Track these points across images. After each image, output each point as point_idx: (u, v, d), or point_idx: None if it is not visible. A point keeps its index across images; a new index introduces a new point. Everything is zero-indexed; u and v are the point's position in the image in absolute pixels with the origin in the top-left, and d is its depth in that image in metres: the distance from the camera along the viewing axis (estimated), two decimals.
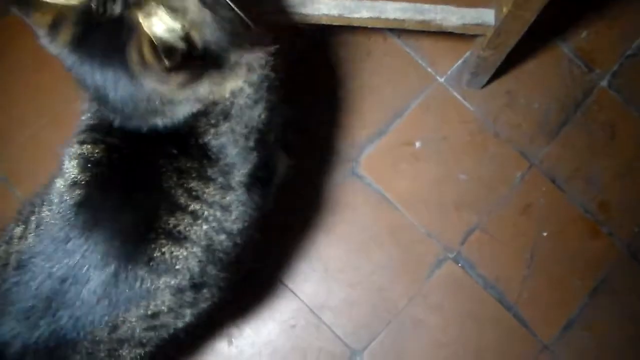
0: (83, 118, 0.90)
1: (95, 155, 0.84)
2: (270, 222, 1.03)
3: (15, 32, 1.41)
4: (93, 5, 0.72)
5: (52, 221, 0.85)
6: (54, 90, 1.38)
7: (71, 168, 0.85)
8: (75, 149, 0.87)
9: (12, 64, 1.40)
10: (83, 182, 0.83)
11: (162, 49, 0.69)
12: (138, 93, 0.76)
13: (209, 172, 0.85)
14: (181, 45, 0.71)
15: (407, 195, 1.33)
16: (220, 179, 0.86)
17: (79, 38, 0.74)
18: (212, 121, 0.84)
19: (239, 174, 0.88)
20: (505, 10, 1.10)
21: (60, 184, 0.86)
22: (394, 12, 1.16)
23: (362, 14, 1.16)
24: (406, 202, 1.33)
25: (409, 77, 1.39)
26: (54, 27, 0.73)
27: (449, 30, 1.19)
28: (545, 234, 1.33)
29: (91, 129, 0.88)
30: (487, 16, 1.16)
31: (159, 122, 0.81)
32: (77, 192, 0.83)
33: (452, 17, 1.17)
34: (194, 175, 0.84)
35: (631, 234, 1.34)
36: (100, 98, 0.79)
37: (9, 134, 1.36)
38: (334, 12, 1.16)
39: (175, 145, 0.83)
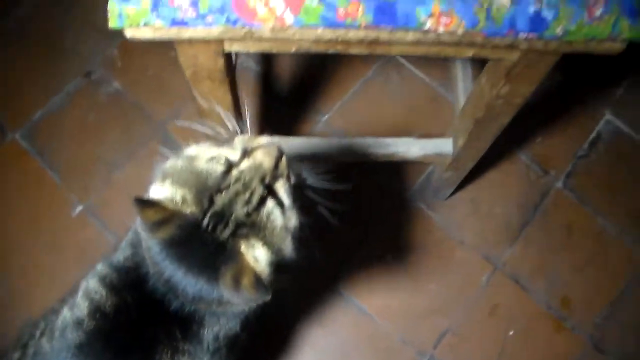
0: (120, 253, 0.95)
1: (106, 307, 0.90)
2: (256, 338, 1.11)
3: (13, 157, 1.51)
4: (204, 224, 0.78)
5: (49, 352, 0.92)
6: (52, 214, 1.47)
7: (82, 306, 0.92)
8: (92, 284, 0.93)
9: (10, 188, 1.49)
10: (87, 328, 0.91)
11: (262, 282, 0.76)
12: (212, 297, 0.82)
13: (199, 353, 0.94)
14: (273, 277, 0.79)
15: (383, 306, 1.43)
16: (205, 358, 0.95)
17: (175, 240, 0.79)
18: (221, 320, 0.92)
19: (224, 352, 0.97)
20: (460, 142, 1.21)
21: (67, 315, 0.92)
22: (360, 149, 1.26)
23: (331, 152, 1.26)
24: (382, 312, 1.42)
25: (377, 194, 1.49)
26: (158, 224, 0.78)
27: (411, 160, 1.29)
28: (512, 332, 1.43)
29: (118, 270, 0.93)
30: (445, 146, 1.27)
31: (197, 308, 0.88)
32: (79, 334, 0.90)
33: (413, 149, 1.27)
34: (185, 355, 0.92)
35: (592, 326, 1.44)
36: (168, 285, 0.83)
37: (6, 259, 1.44)
38: (306, 151, 1.26)
39: (179, 326, 0.90)
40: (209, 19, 0.79)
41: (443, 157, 1.27)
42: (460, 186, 1.44)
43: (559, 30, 0.82)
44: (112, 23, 0.81)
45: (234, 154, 0.83)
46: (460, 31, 0.81)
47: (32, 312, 1.29)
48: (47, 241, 1.43)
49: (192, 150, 0.85)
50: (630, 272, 1.47)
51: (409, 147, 1.26)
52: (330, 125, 1.55)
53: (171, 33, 0.82)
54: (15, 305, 1.40)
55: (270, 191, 0.82)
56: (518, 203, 1.51)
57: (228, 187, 0.80)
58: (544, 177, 1.54)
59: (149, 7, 0.79)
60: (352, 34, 0.82)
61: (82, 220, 1.44)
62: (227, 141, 0.88)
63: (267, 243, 0.80)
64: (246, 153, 0.83)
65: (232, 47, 0.86)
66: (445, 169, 1.31)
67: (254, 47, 0.86)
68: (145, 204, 0.78)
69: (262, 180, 0.81)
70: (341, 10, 0.79)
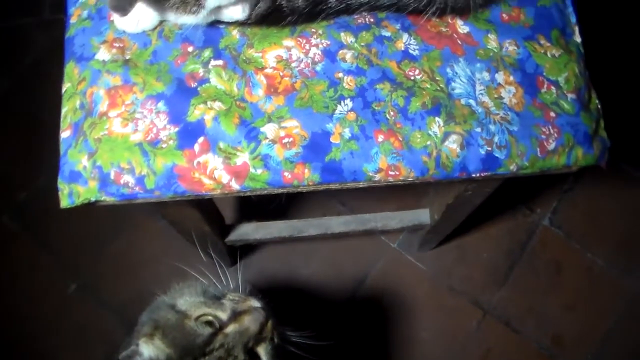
0: None
1: None
2: None
3: (3, 240, 1.55)
4: None
5: None
6: (48, 295, 1.51)
7: None
8: None
9: (3, 271, 1.53)
10: None
11: None
12: None
13: None
14: None
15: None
16: None
17: None
18: None
19: None
20: (436, 217, 1.21)
21: None
22: (338, 227, 1.27)
23: (310, 232, 1.27)
24: None
25: (366, 247, 1.51)
26: None
27: (391, 231, 1.30)
28: None
29: None
30: (423, 216, 1.28)
31: None
32: None
33: (391, 222, 1.28)
34: None
35: None
36: None
37: (5, 344, 1.48)
38: (284, 233, 1.27)
39: None
40: (157, 193, 0.79)
41: (422, 226, 1.27)
42: (446, 235, 1.44)
43: (512, 167, 0.82)
44: (64, 202, 0.81)
45: (223, 314, 0.85)
46: (410, 179, 0.81)
47: None
48: (46, 323, 1.46)
49: (183, 303, 0.87)
50: (620, 305, 1.49)
51: (387, 221, 1.27)
52: None
53: (123, 202, 0.82)
54: None
55: (251, 354, 0.84)
56: (505, 245, 1.52)
57: (212, 351, 0.82)
58: (530, 216, 1.53)
59: (96, 187, 0.80)
60: (303, 188, 0.82)
61: (78, 298, 1.47)
62: (220, 294, 0.90)
63: None
64: (235, 314, 0.85)
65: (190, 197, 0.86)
66: (425, 232, 1.32)
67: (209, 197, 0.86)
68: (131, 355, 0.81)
69: (245, 345, 0.83)
70: (287, 174, 0.79)
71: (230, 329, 0.84)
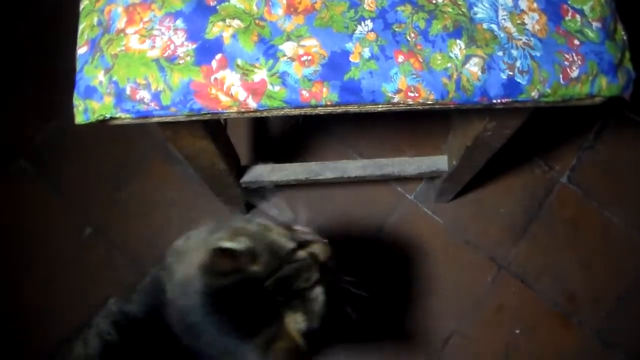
0: (133, 303, 0.94)
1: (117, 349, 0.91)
2: None
3: (21, 183, 1.55)
4: (266, 284, 0.81)
5: None
6: (63, 239, 1.51)
7: (93, 344, 0.93)
8: (104, 326, 0.93)
9: (20, 215, 1.54)
10: None
11: (297, 351, 0.80)
12: (233, 353, 0.82)
13: None
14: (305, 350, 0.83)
15: (390, 310, 1.45)
16: None
17: (228, 291, 0.80)
18: None
19: None
20: (454, 162, 1.20)
21: (80, 352, 0.94)
22: (355, 171, 1.26)
23: (327, 175, 1.26)
24: (389, 316, 1.45)
25: (382, 198, 1.50)
26: (222, 274, 0.80)
27: (407, 177, 1.28)
28: (518, 331, 1.44)
29: (130, 318, 0.92)
30: (440, 163, 1.26)
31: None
32: None
33: (408, 168, 1.27)
34: None
35: (600, 321, 1.45)
36: (188, 331, 0.83)
37: (22, 287, 1.49)
38: (301, 176, 1.26)
39: None
40: (173, 109, 0.79)
41: (439, 173, 1.26)
42: (464, 188, 1.43)
43: (534, 94, 0.80)
44: (79, 118, 0.81)
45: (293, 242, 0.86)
46: (430, 102, 0.80)
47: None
48: (60, 265, 1.47)
49: (263, 221, 0.88)
50: (636, 265, 1.46)
51: (404, 167, 1.26)
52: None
53: (138, 121, 0.82)
54: (34, 336, 1.45)
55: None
56: (522, 201, 1.50)
57: (296, 262, 0.83)
58: (548, 173, 1.52)
59: (112, 103, 0.79)
60: (320, 109, 0.81)
61: (93, 242, 1.48)
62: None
63: (308, 320, 0.83)
64: (301, 245, 0.86)
65: (206, 117, 0.85)
66: (443, 180, 1.30)
67: (225, 116, 0.85)
68: (223, 253, 0.80)
69: (317, 268, 0.85)
70: (305, 92, 0.78)
71: (302, 253, 0.85)
